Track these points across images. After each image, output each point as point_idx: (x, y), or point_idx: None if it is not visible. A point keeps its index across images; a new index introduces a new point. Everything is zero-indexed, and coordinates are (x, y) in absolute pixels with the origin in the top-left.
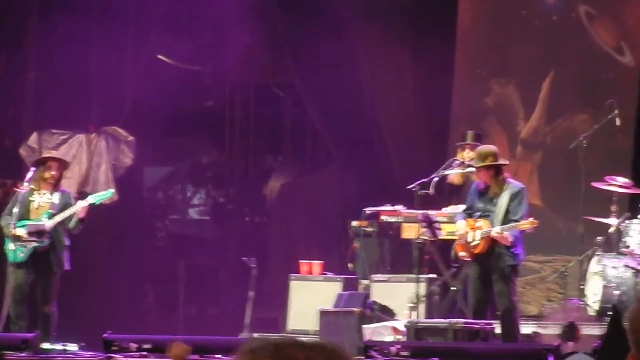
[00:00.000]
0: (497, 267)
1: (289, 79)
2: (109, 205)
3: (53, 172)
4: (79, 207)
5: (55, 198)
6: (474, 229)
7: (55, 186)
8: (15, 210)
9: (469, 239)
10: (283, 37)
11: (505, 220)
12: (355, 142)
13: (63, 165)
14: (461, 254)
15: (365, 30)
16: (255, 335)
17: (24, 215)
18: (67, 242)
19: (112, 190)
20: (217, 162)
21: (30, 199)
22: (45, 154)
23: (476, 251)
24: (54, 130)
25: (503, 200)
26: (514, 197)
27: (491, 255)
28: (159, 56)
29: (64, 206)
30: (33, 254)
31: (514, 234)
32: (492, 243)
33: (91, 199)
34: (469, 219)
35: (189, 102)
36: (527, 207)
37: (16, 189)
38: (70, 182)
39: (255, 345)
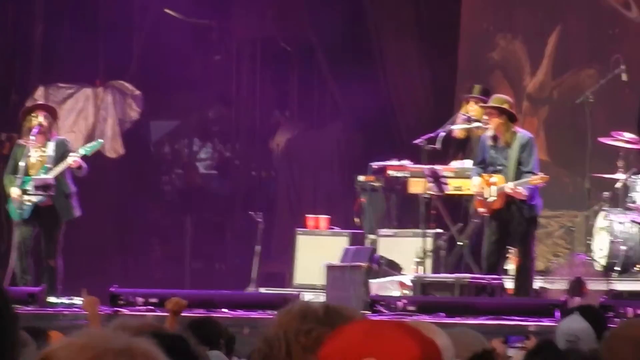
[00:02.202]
0: (514, 221)
1: (296, 33)
2: (115, 160)
3: (40, 119)
4: (71, 161)
5: (50, 150)
6: (489, 184)
7: (46, 135)
8: (21, 164)
9: (486, 195)
10: None
11: (518, 172)
12: (362, 97)
13: (50, 112)
14: (480, 210)
15: None
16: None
17: (25, 170)
18: (72, 189)
19: (101, 141)
20: (223, 117)
21: (28, 154)
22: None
23: (494, 207)
24: (61, 84)
25: (513, 151)
26: (524, 147)
27: (509, 210)
28: (166, 10)
29: (61, 155)
30: (36, 208)
31: (528, 187)
32: (508, 197)
33: (82, 151)
34: (484, 175)
35: (196, 56)
36: (537, 156)
37: (22, 144)
38: (77, 136)
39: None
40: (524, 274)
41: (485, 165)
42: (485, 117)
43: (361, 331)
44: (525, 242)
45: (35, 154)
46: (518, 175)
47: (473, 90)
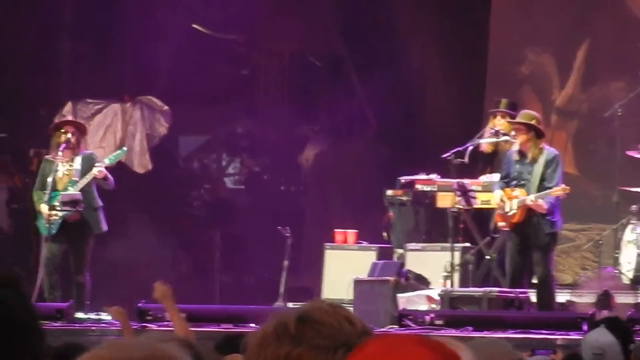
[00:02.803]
0: (535, 235)
1: (324, 48)
2: (144, 175)
3: (69, 135)
4: (96, 172)
5: (77, 164)
6: (510, 198)
7: (74, 151)
8: (50, 180)
9: (507, 209)
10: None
11: (541, 187)
12: (391, 111)
13: (79, 128)
14: (500, 224)
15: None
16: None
17: (52, 186)
18: (99, 203)
19: (125, 149)
20: (252, 132)
21: (57, 169)
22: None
23: (514, 220)
24: (89, 100)
25: (538, 167)
26: (549, 164)
27: (529, 224)
28: (194, 25)
29: (88, 169)
30: (64, 223)
31: (549, 201)
32: (529, 212)
33: (106, 160)
34: (506, 189)
35: (224, 71)
36: (562, 173)
37: (49, 159)
38: (106, 151)
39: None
40: (546, 288)
41: (509, 180)
42: (513, 132)
43: (382, 347)
44: (544, 257)
45: (63, 168)
46: (541, 190)
47: (500, 105)
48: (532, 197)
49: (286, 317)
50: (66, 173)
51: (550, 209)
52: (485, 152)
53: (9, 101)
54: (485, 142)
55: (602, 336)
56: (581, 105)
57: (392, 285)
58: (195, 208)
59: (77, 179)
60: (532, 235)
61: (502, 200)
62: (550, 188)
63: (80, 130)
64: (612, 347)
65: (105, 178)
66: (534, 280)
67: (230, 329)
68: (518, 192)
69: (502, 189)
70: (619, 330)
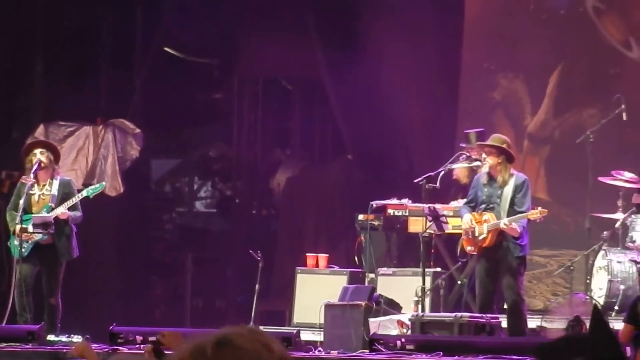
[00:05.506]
0: (504, 259)
1: (298, 73)
2: (115, 198)
3: (40, 157)
4: (59, 212)
5: (54, 189)
6: (480, 222)
7: (48, 172)
8: (21, 202)
9: (476, 233)
10: (313, 30)
11: (511, 212)
12: (363, 136)
13: (51, 149)
14: (468, 248)
15: (376, 23)
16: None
17: (27, 208)
18: (72, 229)
19: (104, 183)
20: (224, 155)
21: (31, 192)
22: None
23: (484, 245)
24: (61, 122)
25: (508, 191)
26: (519, 188)
27: (499, 248)
28: (166, 49)
29: (64, 196)
30: (36, 246)
31: (521, 225)
32: (499, 236)
33: (85, 192)
34: (474, 213)
35: (197, 95)
36: (530, 198)
37: (24, 182)
38: (77, 174)
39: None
40: (517, 314)
41: (476, 204)
42: (483, 155)
43: None
44: (514, 281)
45: (39, 191)
46: (510, 214)
47: (470, 140)
48: (505, 220)
49: (204, 341)
50: (42, 197)
51: (521, 232)
52: (460, 182)
53: None
54: (459, 170)
55: None
56: (553, 131)
57: (363, 309)
58: (167, 231)
59: (52, 205)
60: (502, 260)
61: (472, 225)
62: (521, 212)
63: (52, 151)
64: None
65: (66, 221)
66: (505, 306)
67: None
68: (488, 216)
69: (470, 213)
70: None
